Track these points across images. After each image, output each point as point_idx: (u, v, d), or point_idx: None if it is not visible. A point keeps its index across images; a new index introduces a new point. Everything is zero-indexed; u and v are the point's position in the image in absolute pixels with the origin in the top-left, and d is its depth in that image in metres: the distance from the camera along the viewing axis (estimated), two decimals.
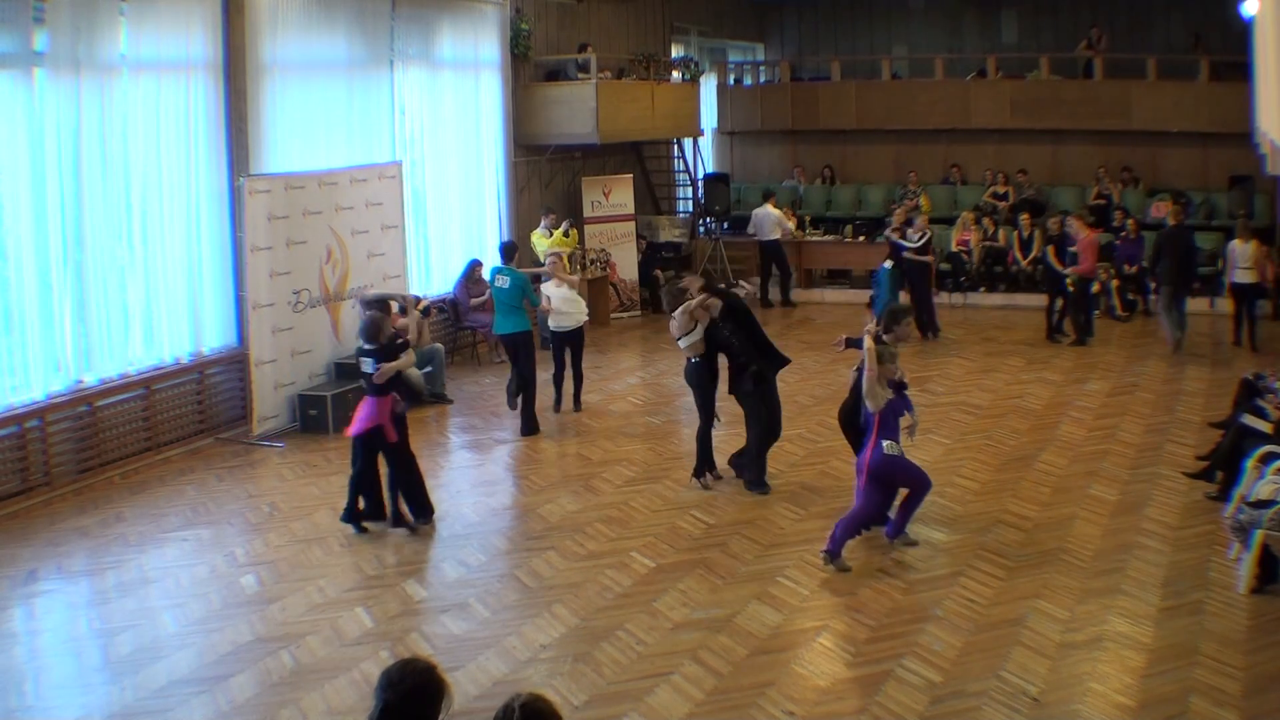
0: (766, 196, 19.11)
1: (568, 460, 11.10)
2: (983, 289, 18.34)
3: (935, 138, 21.46)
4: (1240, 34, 16.82)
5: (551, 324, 12.51)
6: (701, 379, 9.97)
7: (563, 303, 12.39)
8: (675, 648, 7.14)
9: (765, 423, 9.79)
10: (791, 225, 19.12)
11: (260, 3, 12.25)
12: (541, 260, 15.56)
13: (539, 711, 3.42)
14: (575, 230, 16.38)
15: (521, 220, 16.82)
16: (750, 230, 19.04)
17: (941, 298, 17.32)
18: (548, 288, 12.45)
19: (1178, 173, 19.92)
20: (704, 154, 22.26)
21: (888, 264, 15.53)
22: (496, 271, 12.16)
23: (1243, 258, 14.86)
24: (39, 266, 10.22)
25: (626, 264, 18.20)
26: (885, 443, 8.12)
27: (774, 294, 18.90)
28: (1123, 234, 17.57)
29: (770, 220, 18.51)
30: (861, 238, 19.69)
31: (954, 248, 18.53)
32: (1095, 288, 16.81)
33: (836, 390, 12.49)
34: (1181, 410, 12.10)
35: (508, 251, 12.39)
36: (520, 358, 11.89)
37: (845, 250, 19.65)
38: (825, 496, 9.47)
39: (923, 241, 15.82)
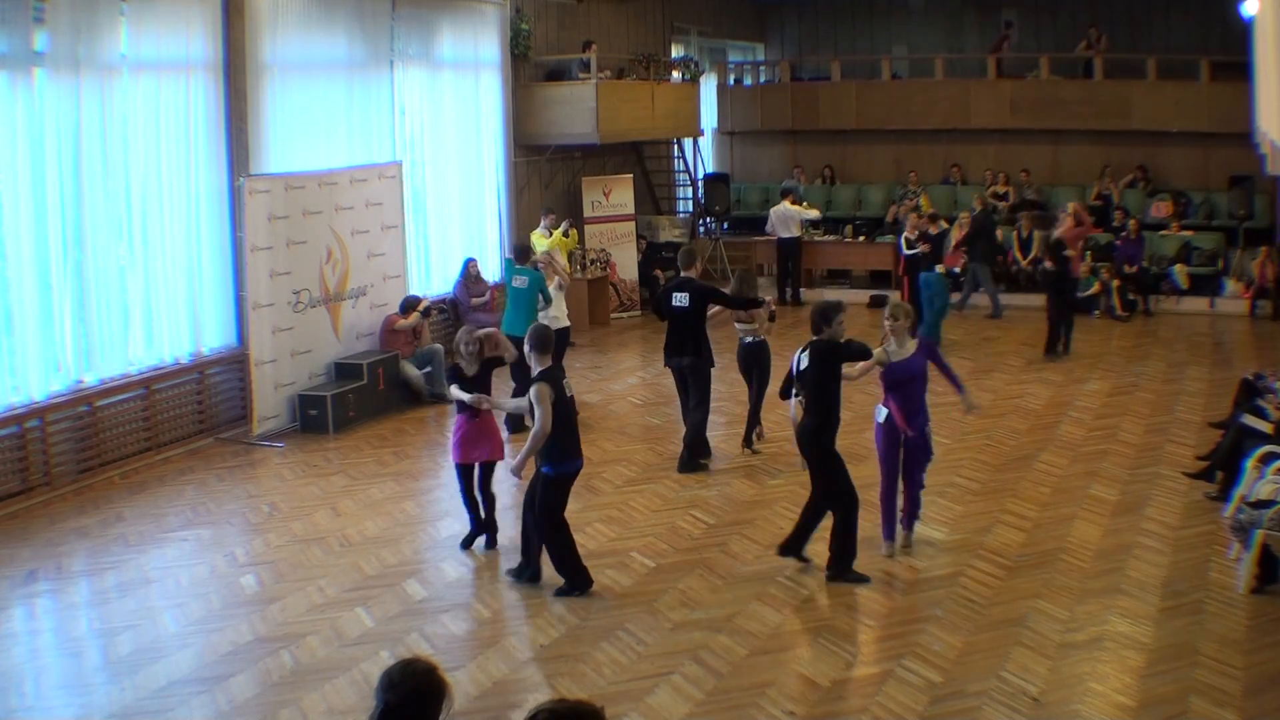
0: (785, 194, 19.15)
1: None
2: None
3: (935, 138, 21.45)
4: (1240, 34, 16.82)
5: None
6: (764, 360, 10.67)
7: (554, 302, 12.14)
8: (675, 648, 7.14)
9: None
10: (815, 213, 19.14)
11: (260, 3, 12.24)
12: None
13: (559, 715, 3.33)
14: (575, 230, 16.37)
15: (521, 220, 16.82)
16: (769, 229, 19.01)
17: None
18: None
19: (1178, 173, 19.94)
20: (704, 154, 22.26)
21: (939, 269, 15.48)
22: (514, 272, 12.08)
23: None
24: (39, 266, 10.21)
25: (626, 264, 18.20)
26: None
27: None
28: (1123, 234, 17.59)
29: (792, 217, 18.55)
30: (861, 238, 19.70)
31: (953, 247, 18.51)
32: (1095, 288, 16.82)
33: None
34: (1181, 410, 12.10)
35: (523, 252, 12.51)
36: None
37: (845, 250, 19.67)
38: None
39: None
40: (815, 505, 8.28)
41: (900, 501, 8.55)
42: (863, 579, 8.01)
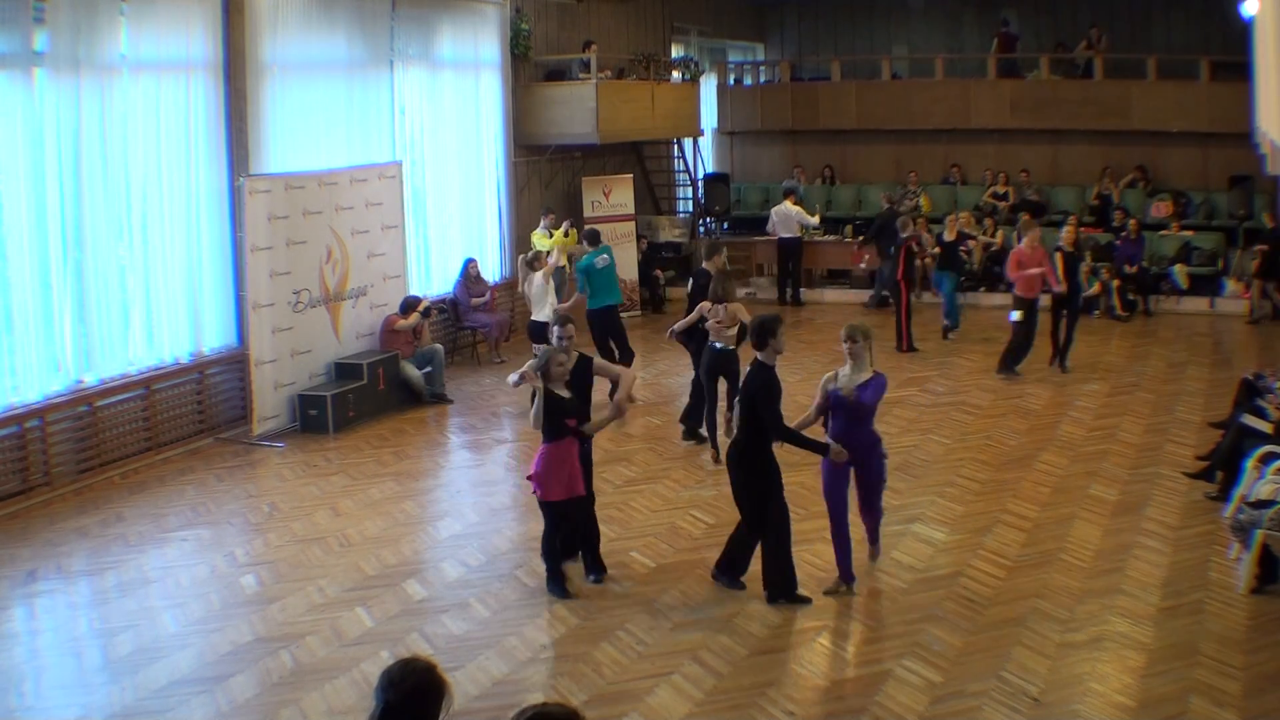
0: (787, 194, 19.17)
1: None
2: (983, 289, 18.33)
3: (935, 138, 21.45)
4: (1240, 34, 16.81)
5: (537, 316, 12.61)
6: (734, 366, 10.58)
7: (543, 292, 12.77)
8: (675, 648, 7.14)
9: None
10: (814, 220, 19.14)
11: (260, 3, 12.24)
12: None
13: (549, 716, 3.37)
14: (575, 230, 16.37)
15: (521, 220, 16.83)
16: (769, 228, 19.04)
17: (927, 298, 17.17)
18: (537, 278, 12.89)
19: (1178, 173, 19.94)
20: (704, 154, 22.26)
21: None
22: (595, 255, 12.88)
23: None
24: (39, 266, 10.21)
25: (626, 264, 18.19)
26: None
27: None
28: (1123, 234, 17.59)
29: (792, 217, 18.58)
30: (861, 237, 19.68)
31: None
32: (1095, 288, 16.80)
33: None
34: (1181, 410, 12.10)
35: (597, 236, 13.35)
36: (621, 330, 12.93)
37: (845, 250, 19.61)
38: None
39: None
40: (743, 537, 7.86)
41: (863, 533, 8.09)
42: (805, 600, 7.68)
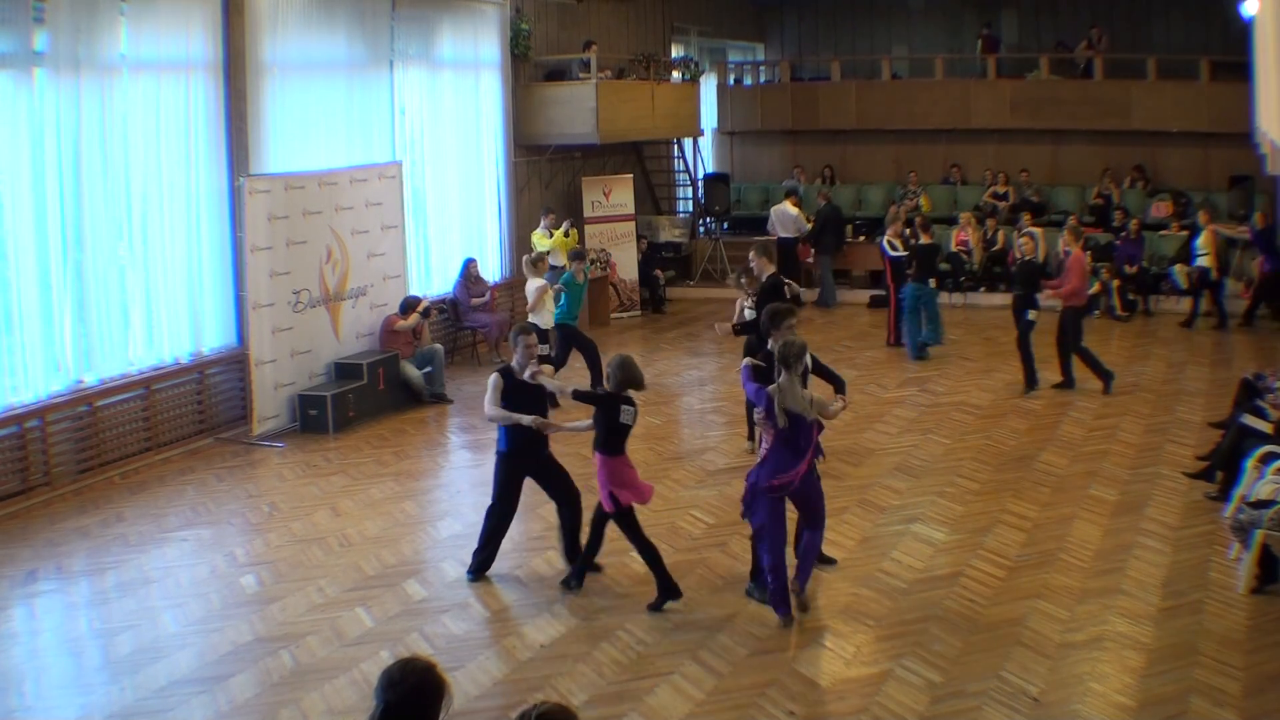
0: (789, 194, 19.20)
1: (568, 460, 11.04)
2: (983, 289, 18.34)
3: (935, 138, 21.46)
4: (1240, 34, 16.82)
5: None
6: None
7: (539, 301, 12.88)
8: (675, 648, 7.14)
9: None
10: (808, 226, 19.14)
11: (260, 3, 12.25)
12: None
13: (551, 716, 3.39)
14: (575, 230, 16.37)
15: (521, 220, 16.83)
16: (769, 228, 19.07)
17: (941, 298, 17.08)
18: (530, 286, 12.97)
19: (1178, 173, 19.95)
20: (704, 154, 22.27)
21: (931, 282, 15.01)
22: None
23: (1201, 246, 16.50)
24: (39, 266, 10.21)
25: (626, 264, 18.20)
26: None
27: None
28: (1123, 234, 17.60)
29: (790, 218, 18.62)
30: (861, 238, 19.70)
31: (954, 247, 18.54)
32: (1095, 288, 16.81)
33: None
34: (1181, 410, 12.10)
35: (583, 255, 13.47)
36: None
37: (845, 250, 19.64)
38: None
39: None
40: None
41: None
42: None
